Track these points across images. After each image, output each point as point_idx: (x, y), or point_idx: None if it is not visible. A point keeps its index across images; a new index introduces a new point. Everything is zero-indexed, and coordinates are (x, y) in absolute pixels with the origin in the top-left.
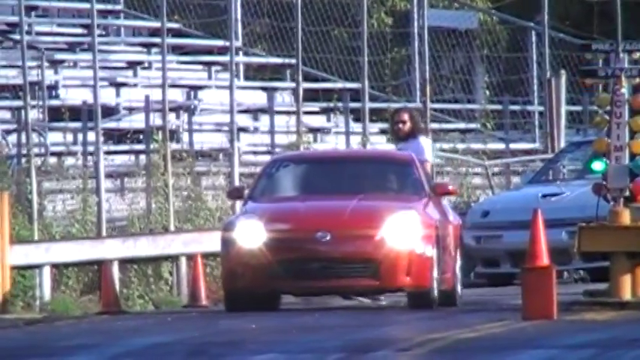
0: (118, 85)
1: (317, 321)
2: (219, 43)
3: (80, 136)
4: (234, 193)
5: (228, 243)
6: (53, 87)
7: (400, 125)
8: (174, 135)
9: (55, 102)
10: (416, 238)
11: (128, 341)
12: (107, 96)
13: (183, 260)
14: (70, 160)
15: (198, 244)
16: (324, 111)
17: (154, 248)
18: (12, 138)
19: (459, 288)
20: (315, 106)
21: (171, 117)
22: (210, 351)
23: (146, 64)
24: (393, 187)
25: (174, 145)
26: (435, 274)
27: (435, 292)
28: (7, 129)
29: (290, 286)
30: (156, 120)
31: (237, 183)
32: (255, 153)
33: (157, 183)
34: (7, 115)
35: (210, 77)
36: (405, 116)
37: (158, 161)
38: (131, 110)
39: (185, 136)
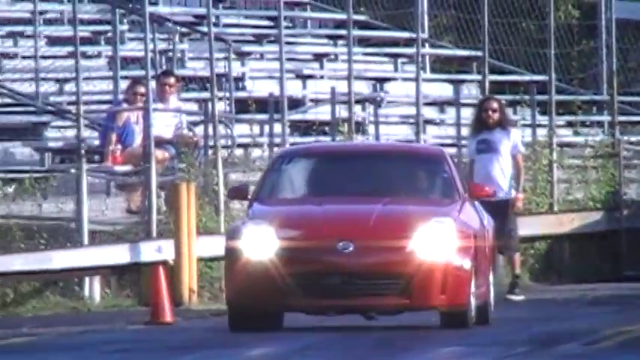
0: (305, 77)
1: (501, 314)
2: (406, 35)
3: (266, 128)
4: (236, 193)
5: (233, 253)
6: (240, 79)
7: (490, 113)
8: (359, 127)
9: (241, 94)
10: (452, 250)
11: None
12: (293, 88)
13: None
14: (256, 152)
15: None
16: (511, 103)
17: None
18: (199, 129)
19: (492, 303)
20: (501, 99)
21: (357, 109)
22: (397, 343)
23: (332, 56)
24: (423, 188)
25: (359, 137)
26: (473, 290)
27: (473, 311)
28: (194, 121)
29: (305, 304)
30: (342, 112)
31: None
32: (441, 145)
33: None
34: (195, 106)
35: (396, 69)
36: (496, 105)
37: None
38: (317, 102)
39: (371, 128)
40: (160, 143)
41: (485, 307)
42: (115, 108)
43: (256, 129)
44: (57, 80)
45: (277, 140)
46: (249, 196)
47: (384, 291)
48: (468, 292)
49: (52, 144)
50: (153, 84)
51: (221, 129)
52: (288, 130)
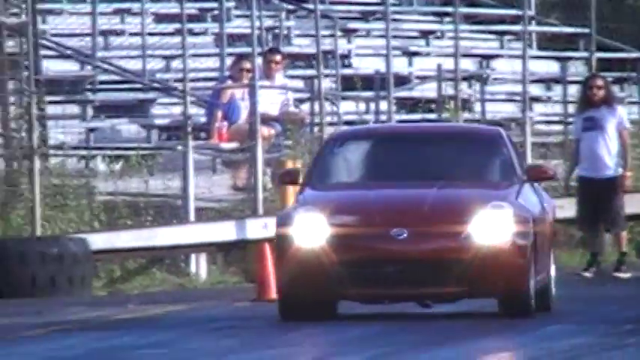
0: (411, 54)
1: (607, 292)
2: (512, 12)
3: (372, 105)
4: (287, 178)
5: (283, 241)
6: (346, 56)
7: (595, 90)
8: (466, 104)
9: (347, 71)
10: (510, 235)
11: None
12: (399, 65)
13: None
14: None
15: None
16: (618, 81)
17: None
18: (305, 107)
19: (552, 288)
20: (608, 76)
21: (463, 86)
22: (491, 325)
23: (439, 33)
24: (479, 171)
25: (466, 115)
26: (532, 277)
27: (532, 299)
28: (300, 98)
29: (357, 292)
30: (448, 89)
31: (529, 153)
32: (547, 123)
33: None
34: (300, 83)
35: (502, 46)
36: (601, 82)
37: None
38: (423, 79)
39: (477, 106)
40: (266, 120)
41: (546, 293)
42: (220, 85)
43: (362, 106)
44: (164, 57)
45: (383, 117)
46: (300, 181)
47: (439, 278)
48: (527, 279)
49: (158, 121)
50: (259, 61)
51: (327, 106)
52: (394, 108)
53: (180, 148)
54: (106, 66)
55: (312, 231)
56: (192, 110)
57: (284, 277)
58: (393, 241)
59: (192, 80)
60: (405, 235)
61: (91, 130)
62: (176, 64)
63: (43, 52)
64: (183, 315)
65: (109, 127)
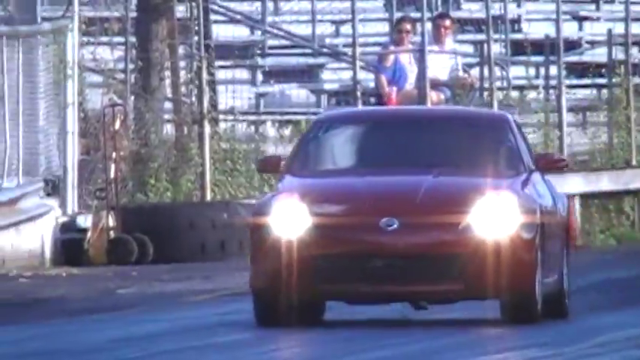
0: (581, 19)
1: None
2: None
3: (542, 70)
4: (266, 165)
5: (259, 231)
6: (516, 21)
7: None
8: (636, 69)
9: (517, 36)
10: (513, 228)
11: (590, 276)
12: (569, 29)
13: None
14: (531, 94)
15: None
16: None
17: (615, 183)
18: (474, 71)
19: (567, 291)
20: None
21: (633, 51)
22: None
23: None
24: (481, 158)
25: (636, 79)
26: (539, 276)
27: (539, 301)
28: (469, 62)
29: (342, 290)
30: (618, 54)
31: None
32: None
33: (619, 117)
34: (470, 48)
35: None
36: None
37: (620, 95)
38: (593, 44)
39: None
40: (436, 85)
41: (559, 298)
42: (384, 49)
43: (532, 71)
44: (333, 22)
45: (553, 82)
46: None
47: (433, 275)
48: (533, 278)
49: (327, 86)
50: (429, 26)
51: (496, 71)
52: (564, 73)
53: None
54: (275, 31)
55: (291, 220)
56: (362, 75)
57: (259, 272)
58: (383, 233)
59: (362, 45)
60: (396, 225)
61: (261, 95)
62: (345, 29)
63: (213, 17)
64: None
65: (278, 92)
